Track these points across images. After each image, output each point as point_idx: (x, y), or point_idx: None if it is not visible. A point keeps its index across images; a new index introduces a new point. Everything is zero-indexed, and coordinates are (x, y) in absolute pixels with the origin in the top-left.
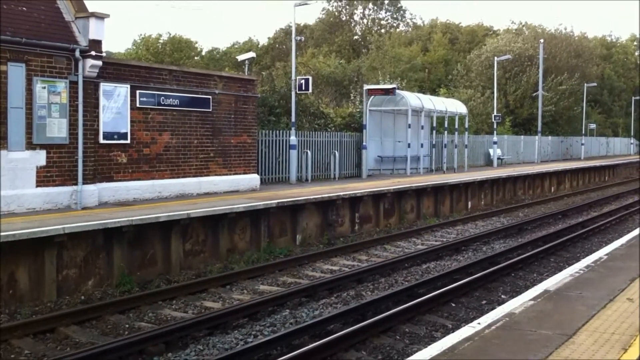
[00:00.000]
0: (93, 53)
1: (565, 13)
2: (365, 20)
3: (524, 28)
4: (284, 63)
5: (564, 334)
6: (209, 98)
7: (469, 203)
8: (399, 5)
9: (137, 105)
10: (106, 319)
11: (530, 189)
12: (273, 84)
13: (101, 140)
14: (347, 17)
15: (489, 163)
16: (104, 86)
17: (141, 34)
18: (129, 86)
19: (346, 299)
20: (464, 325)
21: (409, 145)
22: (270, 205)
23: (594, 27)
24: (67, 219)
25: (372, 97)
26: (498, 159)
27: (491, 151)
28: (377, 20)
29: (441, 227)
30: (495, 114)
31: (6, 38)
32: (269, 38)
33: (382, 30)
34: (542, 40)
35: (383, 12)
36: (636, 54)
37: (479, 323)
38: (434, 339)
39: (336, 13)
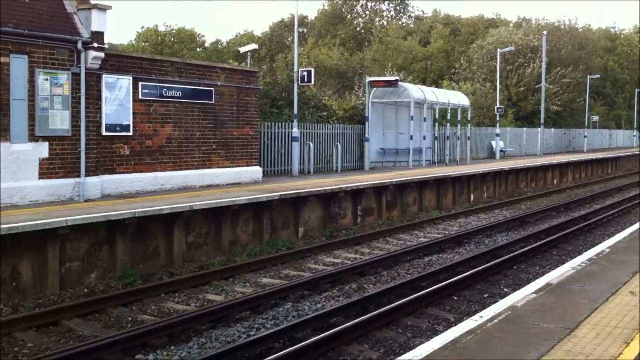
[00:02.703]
0: (95, 45)
1: (569, 5)
2: (367, 12)
3: (522, 22)
4: (284, 55)
5: (566, 328)
6: (211, 90)
7: (472, 196)
8: None
9: (140, 97)
10: (109, 312)
11: (532, 181)
12: (275, 76)
13: (103, 132)
14: (350, 8)
15: (491, 155)
16: (106, 78)
17: (143, 26)
18: (131, 78)
19: (348, 292)
20: (466, 319)
21: (411, 138)
22: (272, 198)
23: (598, 19)
24: (70, 211)
25: (375, 89)
26: (500, 151)
27: (494, 143)
28: (379, 12)
29: (443, 219)
30: (497, 106)
31: (8, 30)
32: (262, 33)
33: (384, 22)
34: (544, 32)
35: (385, 4)
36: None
37: (481, 316)
38: (436, 332)
39: (340, 3)
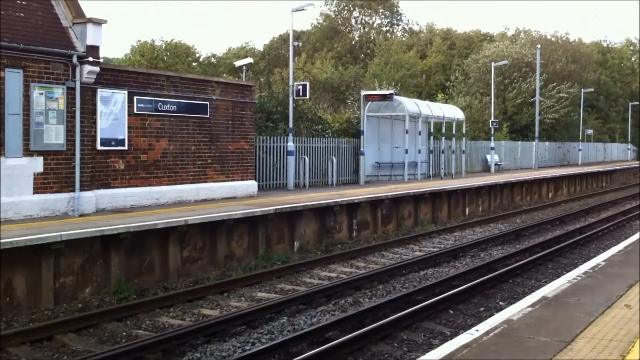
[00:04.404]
0: (90, 59)
1: (561, 18)
2: (362, 26)
3: (521, 34)
4: (281, 70)
5: (562, 341)
6: (207, 104)
7: (467, 209)
8: (396, 9)
9: (135, 111)
10: (103, 327)
11: (527, 195)
12: (271, 90)
13: (98, 147)
14: (344, 21)
15: (486, 169)
16: (102, 92)
17: (138, 40)
18: (126, 92)
19: (344, 306)
20: (462, 332)
21: (406, 151)
22: (268, 212)
23: (589, 32)
24: (65, 226)
25: (370, 102)
26: (495, 164)
27: (488, 157)
28: (374, 26)
29: (439, 233)
30: (492, 119)
31: (3, 44)
32: (264, 45)
33: (380, 36)
34: (539, 46)
35: (379, 18)
36: (633, 59)
37: (477, 330)
38: (432, 346)
39: (333, 16)
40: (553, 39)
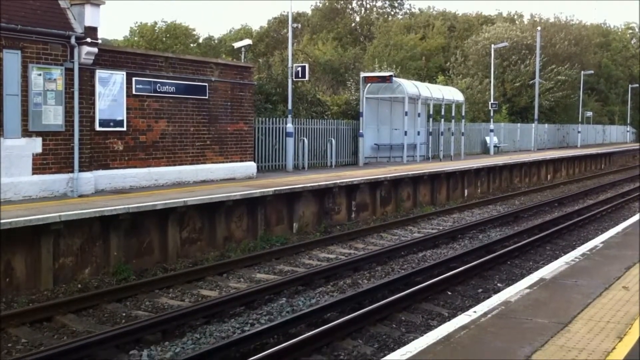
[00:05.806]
0: (89, 40)
1: (564, 3)
2: (363, 9)
3: (514, 17)
4: (280, 51)
5: (559, 323)
6: (205, 85)
7: (466, 191)
8: None
9: (133, 92)
10: (103, 308)
11: (526, 177)
12: (270, 72)
13: (97, 128)
14: (345, 4)
15: (485, 151)
16: (100, 73)
17: (137, 22)
18: (124, 73)
19: (343, 287)
20: (460, 314)
21: (405, 133)
22: (267, 193)
23: (590, 15)
24: (64, 207)
25: (369, 84)
26: (495, 146)
27: (488, 139)
28: (375, 9)
29: (438, 215)
30: (492, 101)
31: (1, 25)
32: (261, 27)
33: (380, 19)
34: (539, 28)
35: (380, 2)
36: (632, 42)
37: (474, 311)
38: (430, 328)
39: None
40: (556, 20)
